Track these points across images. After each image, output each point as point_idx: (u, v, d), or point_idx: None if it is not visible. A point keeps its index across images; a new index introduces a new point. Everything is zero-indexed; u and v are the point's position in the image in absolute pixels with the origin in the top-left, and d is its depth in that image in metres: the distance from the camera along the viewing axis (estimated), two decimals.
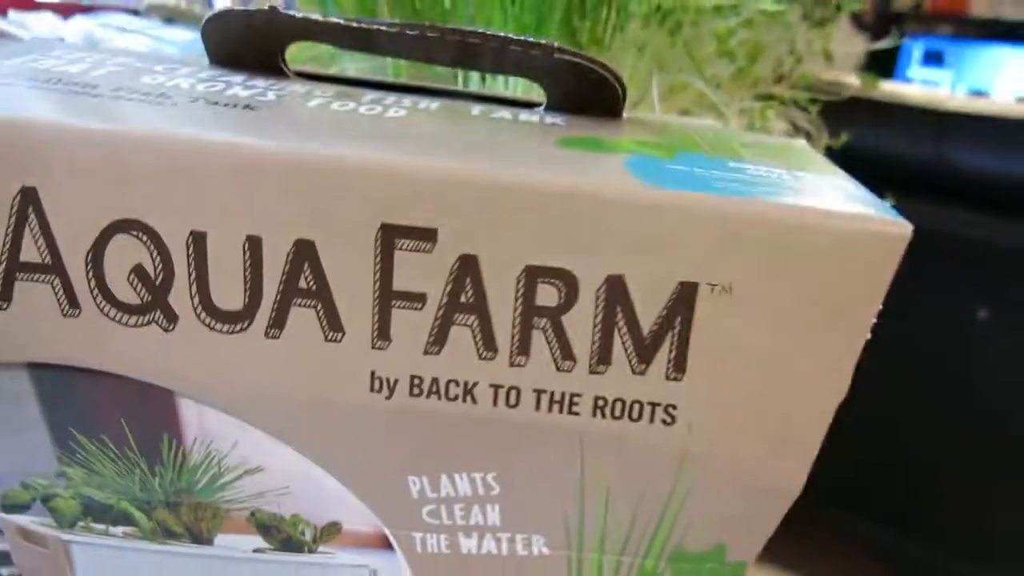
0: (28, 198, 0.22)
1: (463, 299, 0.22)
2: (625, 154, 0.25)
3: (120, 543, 0.26)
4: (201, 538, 0.26)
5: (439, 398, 0.23)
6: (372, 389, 0.23)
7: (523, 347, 0.22)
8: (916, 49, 1.58)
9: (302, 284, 0.22)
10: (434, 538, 0.25)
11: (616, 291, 0.22)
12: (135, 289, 0.22)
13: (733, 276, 0.21)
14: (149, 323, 0.22)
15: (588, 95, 0.28)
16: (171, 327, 0.22)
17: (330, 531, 0.25)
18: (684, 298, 0.22)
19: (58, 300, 0.22)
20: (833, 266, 0.21)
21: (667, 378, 0.22)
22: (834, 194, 0.23)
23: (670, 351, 0.22)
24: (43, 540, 0.26)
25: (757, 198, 0.21)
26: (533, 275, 0.22)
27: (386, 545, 0.25)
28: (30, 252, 0.22)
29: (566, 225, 0.21)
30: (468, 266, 0.22)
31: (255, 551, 0.26)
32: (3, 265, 0.22)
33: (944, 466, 0.97)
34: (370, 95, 0.27)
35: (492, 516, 0.25)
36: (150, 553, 0.26)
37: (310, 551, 0.26)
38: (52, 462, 0.25)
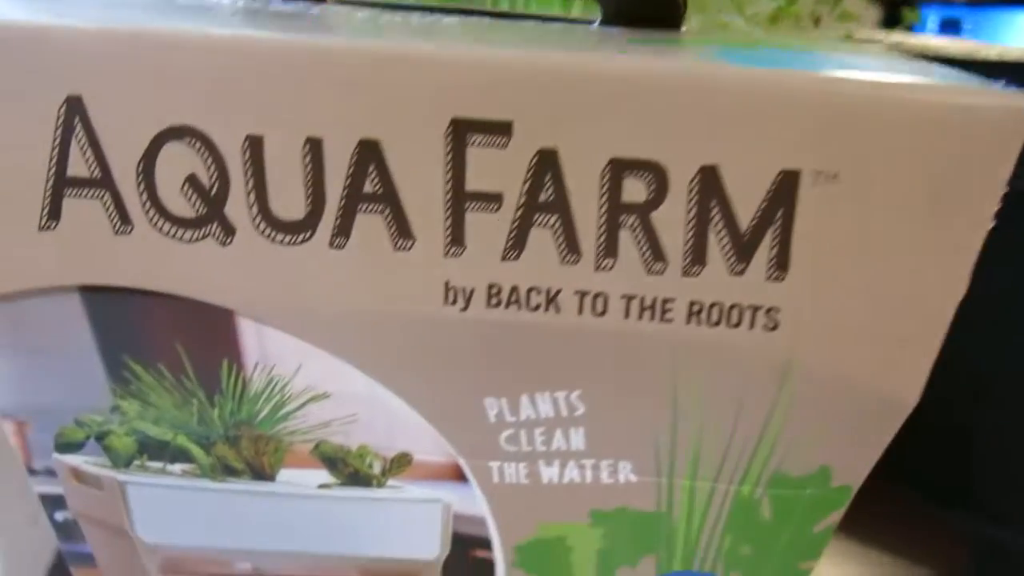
0: (74, 108, 0.20)
1: (542, 198, 0.20)
2: (709, 46, 0.23)
3: (177, 482, 0.25)
4: (262, 474, 0.24)
5: (519, 308, 0.21)
6: (446, 301, 0.21)
7: (609, 249, 0.20)
8: (932, 17, 1.54)
9: (367, 188, 0.20)
10: (512, 467, 0.23)
11: (710, 183, 0.20)
12: (189, 201, 0.21)
13: (840, 162, 0.19)
14: (205, 237, 0.21)
15: (646, 8, 0.26)
16: (228, 241, 0.21)
17: (400, 463, 0.24)
18: (785, 188, 0.20)
19: (109, 217, 0.21)
20: (951, 147, 0.19)
21: (768, 278, 0.20)
22: (940, 75, 0.21)
23: (771, 248, 0.20)
24: (98, 481, 0.25)
25: (863, 78, 0.19)
26: (619, 169, 0.20)
27: (460, 477, 0.24)
28: (78, 166, 0.21)
29: (655, 112, 0.19)
30: (547, 161, 0.20)
31: (320, 487, 0.24)
32: (50, 181, 0.21)
33: None
34: (418, 12, 0.25)
35: (576, 440, 0.23)
36: (209, 492, 0.25)
37: (379, 485, 0.24)
38: (106, 395, 0.23)
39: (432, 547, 0.25)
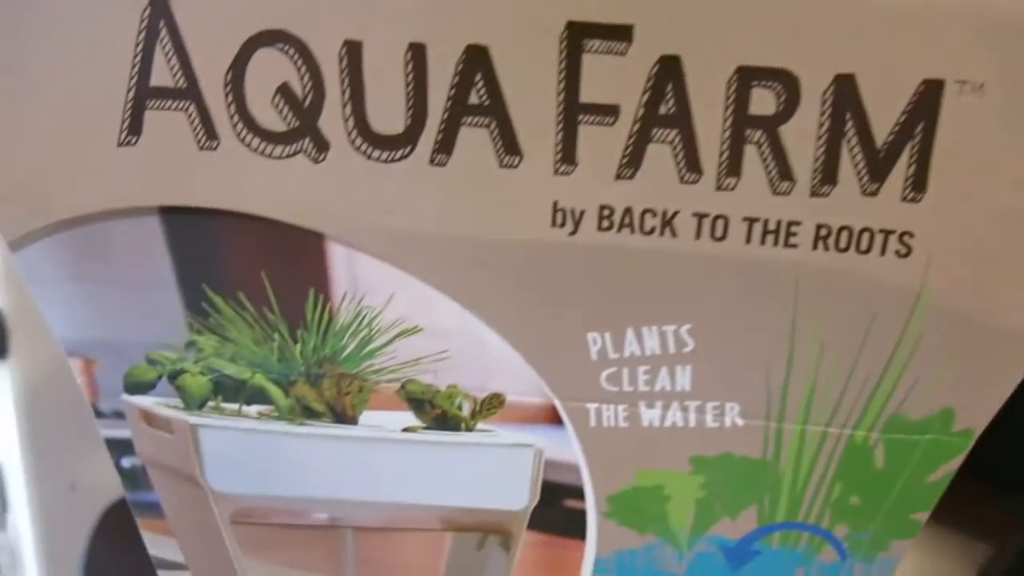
0: (159, 11, 0.19)
1: (662, 110, 0.19)
2: None
3: (253, 425, 0.23)
4: (344, 416, 0.23)
5: (632, 232, 0.20)
6: (554, 223, 0.20)
7: (733, 166, 0.19)
8: None
9: (473, 99, 0.19)
10: (611, 410, 0.22)
11: (846, 94, 0.18)
12: (280, 113, 0.19)
13: (987, 72, 0.18)
14: (296, 153, 0.20)
15: None
16: (321, 157, 0.20)
17: (491, 404, 0.22)
18: (927, 100, 0.18)
19: (194, 130, 0.20)
20: None
21: (903, 199, 0.19)
22: None
23: (908, 166, 0.19)
24: (168, 425, 0.24)
25: None
26: (746, 78, 0.18)
27: (554, 420, 0.22)
28: (162, 76, 0.19)
29: (788, 15, 0.18)
30: (669, 70, 0.18)
31: (404, 430, 0.23)
32: (132, 92, 0.20)
33: None
34: None
35: (682, 380, 0.21)
36: (286, 436, 0.23)
37: (467, 429, 0.23)
38: (182, 329, 0.22)
39: (521, 496, 0.24)
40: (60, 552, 0.53)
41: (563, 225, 0.20)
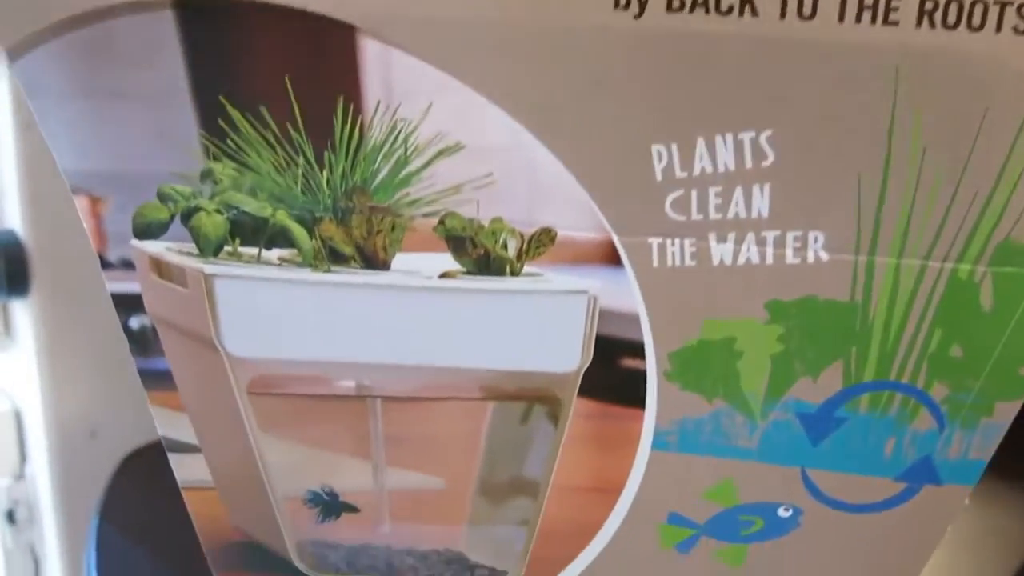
0: None
1: None
2: None
3: (274, 274, 0.21)
4: (375, 259, 0.21)
5: (707, 11, 0.17)
6: (617, 4, 0.17)
7: None
8: None
9: None
10: (677, 245, 0.20)
11: None
12: None
13: None
14: None
15: None
16: None
17: (540, 242, 0.20)
18: None
19: None
20: None
21: None
22: None
23: None
24: (181, 275, 0.21)
25: None
26: None
27: (611, 260, 0.20)
28: None
29: None
30: None
31: (442, 276, 0.21)
32: None
33: None
34: None
35: (759, 203, 0.19)
36: (310, 286, 0.21)
37: (512, 273, 0.20)
38: (197, 154, 0.20)
39: (572, 355, 0.21)
40: (77, 502, 0.51)
41: (628, 5, 0.17)
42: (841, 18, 0.17)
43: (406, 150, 0.19)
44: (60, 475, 0.50)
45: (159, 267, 0.21)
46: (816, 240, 0.19)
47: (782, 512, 0.23)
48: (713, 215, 0.19)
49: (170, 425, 0.24)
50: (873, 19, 0.17)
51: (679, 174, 0.19)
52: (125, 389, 0.51)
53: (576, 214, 0.19)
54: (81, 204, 0.21)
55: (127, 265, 0.22)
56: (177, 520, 0.43)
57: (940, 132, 0.18)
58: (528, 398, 0.22)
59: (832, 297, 0.20)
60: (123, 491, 0.45)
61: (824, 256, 0.19)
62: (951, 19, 0.17)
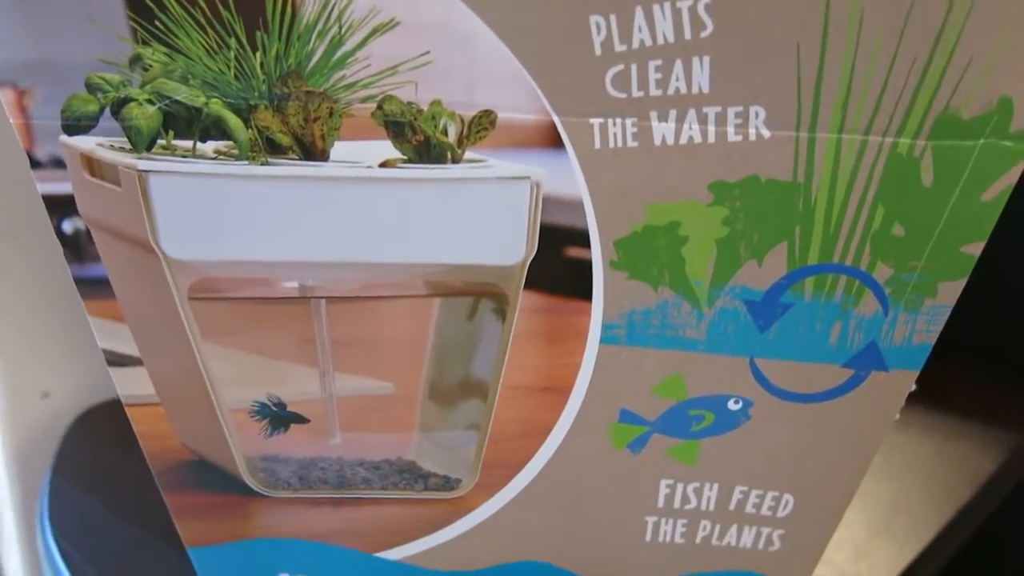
0: None
1: None
2: None
3: (210, 168, 0.20)
4: (313, 149, 0.20)
5: None
6: None
7: None
8: None
9: None
10: (618, 125, 0.19)
11: None
12: None
13: None
14: None
15: None
16: None
17: (480, 125, 0.20)
18: None
19: None
20: None
21: None
22: None
23: None
24: (114, 173, 0.21)
25: None
26: None
27: (553, 142, 0.20)
28: None
29: None
30: None
31: (382, 165, 0.20)
32: None
33: None
34: None
35: (699, 77, 0.19)
36: (247, 180, 0.20)
37: (454, 160, 0.20)
38: (124, 37, 0.19)
39: (516, 246, 0.21)
40: (30, 462, 0.50)
41: None
42: None
43: (340, 27, 0.19)
44: (12, 437, 0.49)
45: (91, 165, 0.21)
46: (757, 116, 0.19)
47: (732, 405, 0.23)
48: (653, 91, 0.19)
49: (110, 336, 0.23)
50: None
51: (618, 47, 0.18)
52: (77, 350, 0.50)
53: (516, 95, 0.19)
54: (6, 97, 0.20)
55: (58, 164, 0.21)
56: (131, 471, 0.42)
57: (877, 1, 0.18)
58: (474, 293, 0.22)
59: (774, 176, 0.20)
60: (77, 447, 0.45)
61: (766, 133, 0.19)
62: None
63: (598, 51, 0.19)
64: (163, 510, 0.29)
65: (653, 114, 0.19)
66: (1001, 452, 0.44)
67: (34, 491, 0.50)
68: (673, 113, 0.19)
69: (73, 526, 0.38)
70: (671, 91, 0.19)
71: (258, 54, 0.19)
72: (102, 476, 0.42)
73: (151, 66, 0.19)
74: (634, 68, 0.19)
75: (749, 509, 0.25)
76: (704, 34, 0.18)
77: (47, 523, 0.38)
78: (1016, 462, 0.45)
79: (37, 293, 0.47)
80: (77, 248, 0.22)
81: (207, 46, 0.19)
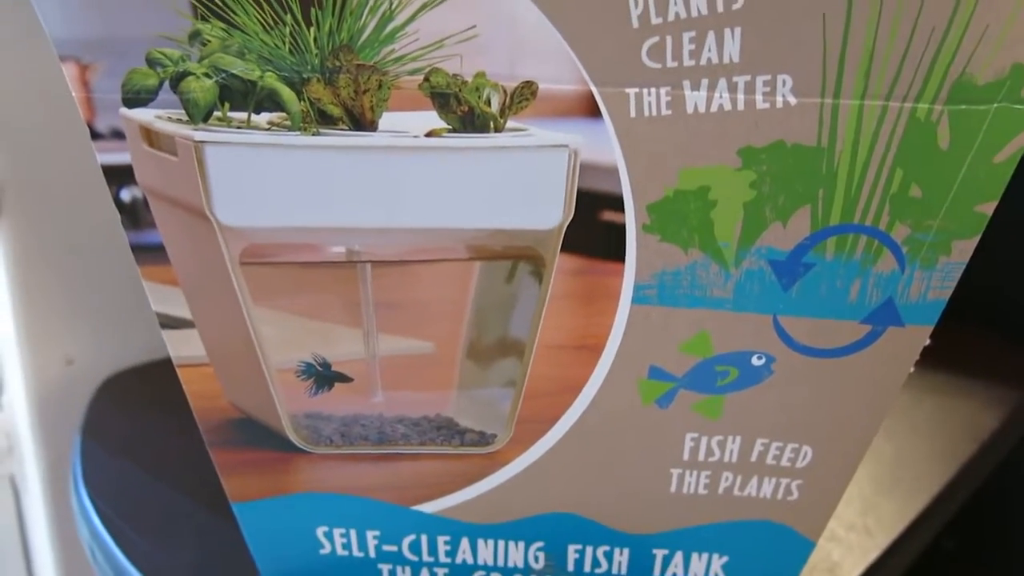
0: None
1: None
2: None
3: (264, 139, 0.22)
4: (363, 119, 0.21)
5: None
6: None
7: None
8: None
9: None
10: (653, 94, 0.20)
11: None
12: None
13: None
14: None
15: None
16: None
17: (522, 96, 0.21)
18: None
19: None
20: None
21: None
22: None
23: None
24: (172, 144, 0.22)
25: None
26: None
27: (591, 112, 0.21)
28: None
29: None
30: None
31: (428, 134, 0.21)
32: None
33: None
34: None
35: (730, 47, 0.20)
36: (299, 151, 0.22)
37: (496, 129, 0.21)
38: (184, 13, 0.20)
39: (554, 210, 0.22)
40: (56, 429, 0.51)
41: None
42: None
43: (391, 3, 0.20)
44: (38, 403, 0.50)
45: (149, 136, 0.22)
46: (784, 83, 0.20)
47: (755, 360, 0.24)
48: (687, 61, 0.20)
49: (164, 300, 0.24)
50: None
51: (655, 20, 0.20)
52: (101, 317, 0.51)
53: (556, 66, 0.20)
54: (70, 72, 0.21)
55: (117, 135, 0.22)
56: (160, 434, 0.44)
57: None
58: (512, 257, 0.23)
59: (800, 141, 0.21)
60: (104, 411, 0.46)
61: (792, 100, 0.20)
62: None
63: (635, 24, 0.20)
64: (194, 470, 0.30)
65: (686, 83, 0.20)
66: (1004, 410, 0.46)
67: (61, 457, 0.51)
68: (705, 82, 0.20)
69: (107, 486, 0.40)
70: (703, 61, 0.20)
71: (312, 29, 0.20)
72: (131, 439, 0.43)
73: (209, 41, 0.20)
74: (669, 40, 0.20)
75: (769, 461, 0.27)
76: (736, 6, 0.19)
77: (81, 483, 0.40)
78: (1018, 419, 0.46)
79: (60, 263, 0.48)
80: (134, 216, 0.23)
81: (263, 22, 0.20)
